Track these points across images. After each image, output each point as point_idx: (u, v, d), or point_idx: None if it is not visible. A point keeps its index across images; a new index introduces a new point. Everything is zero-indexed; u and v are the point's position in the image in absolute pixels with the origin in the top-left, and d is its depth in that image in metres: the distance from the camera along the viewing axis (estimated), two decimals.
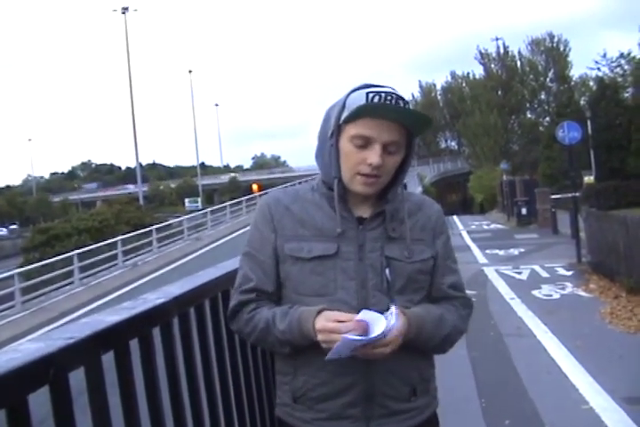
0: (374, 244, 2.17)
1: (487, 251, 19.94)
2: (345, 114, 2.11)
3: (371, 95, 2.07)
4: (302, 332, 2.06)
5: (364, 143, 2.08)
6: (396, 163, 2.16)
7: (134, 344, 2.06)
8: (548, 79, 61.05)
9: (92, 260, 25.06)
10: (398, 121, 2.08)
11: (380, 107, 2.07)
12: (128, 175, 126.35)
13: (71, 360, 1.71)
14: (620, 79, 41.16)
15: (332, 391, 2.15)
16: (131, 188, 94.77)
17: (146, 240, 30.63)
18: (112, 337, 1.93)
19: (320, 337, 2.00)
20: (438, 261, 2.30)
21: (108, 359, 1.92)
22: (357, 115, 2.06)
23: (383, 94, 2.07)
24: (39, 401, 1.60)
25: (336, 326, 1.97)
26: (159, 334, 2.28)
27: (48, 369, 1.59)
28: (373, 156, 2.07)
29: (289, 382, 2.25)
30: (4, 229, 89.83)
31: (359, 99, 2.09)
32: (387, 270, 2.15)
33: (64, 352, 1.66)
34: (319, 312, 2.04)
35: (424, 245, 2.25)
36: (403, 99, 2.09)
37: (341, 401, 2.15)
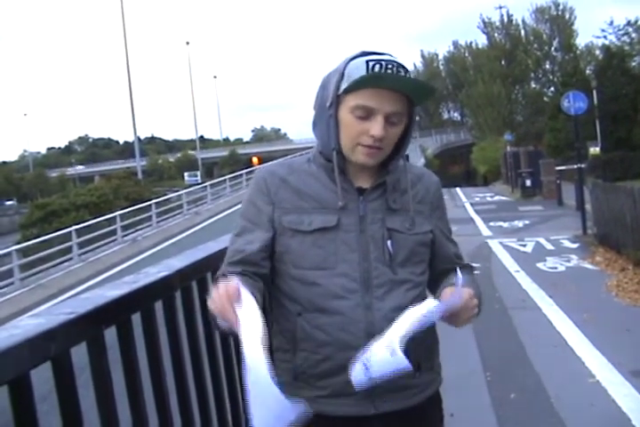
0: (375, 215, 2.13)
1: (491, 223, 19.95)
2: (344, 84, 2.04)
3: (371, 64, 2.00)
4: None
5: (366, 114, 2.02)
6: (398, 133, 2.11)
7: (137, 318, 2.07)
8: (552, 48, 60.57)
9: (91, 235, 25.03)
10: (401, 91, 2.03)
11: (384, 77, 2.00)
12: (126, 149, 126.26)
13: (72, 335, 1.71)
14: (627, 48, 40.78)
15: (335, 367, 2.05)
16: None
17: (145, 215, 30.61)
18: (114, 312, 1.94)
19: (209, 303, 1.81)
20: (440, 234, 2.29)
21: (111, 336, 1.90)
22: (359, 85, 2.00)
23: (384, 63, 2.00)
24: (44, 378, 1.60)
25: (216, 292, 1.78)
26: (161, 307, 2.29)
27: (49, 345, 1.58)
28: (376, 127, 2.01)
29: (289, 359, 2.15)
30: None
31: (359, 68, 2.02)
32: (388, 242, 2.11)
33: (65, 328, 1.65)
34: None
35: (423, 218, 2.22)
36: (404, 67, 2.03)
37: (344, 378, 1.96)
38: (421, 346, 2.11)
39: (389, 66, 1.99)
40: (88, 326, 1.78)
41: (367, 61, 2.01)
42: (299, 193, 2.13)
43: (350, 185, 2.14)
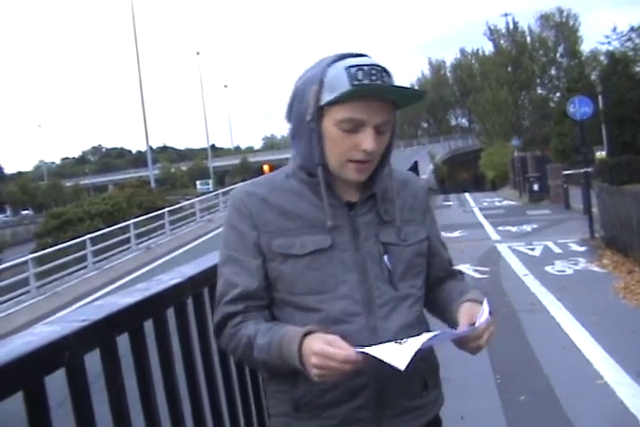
0: (368, 230, 1.99)
1: (499, 227, 19.89)
2: (327, 95, 1.86)
3: (353, 70, 1.83)
4: (282, 353, 1.78)
5: (354, 127, 1.86)
6: (387, 141, 1.96)
7: (149, 325, 2.07)
8: (558, 54, 60.60)
9: (105, 244, 25.18)
10: (390, 99, 1.89)
11: (373, 88, 1.84)
12: (139, 159, 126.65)
13: (86, 342, 1.73)
14: (630, 53, 40.75)
15: (343, 395, 1.93)
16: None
17: (158, 223, 30.76)
18: (126, 319, 1.95)
19: (315, 360, 1.67)
20: (434, 240, 2.19)
21: (124, 343, 1.94)
22: (346, 98, 1.82)
23: (366, 68, 1.83)
24: (57, 386, 1.62)
25: (337, 352, 1.66)
26: (174, 315, 2.29)
27: (63, 352, 1.60)
28: (367, 141, 1.86)
29: (287, 390, 1.99)
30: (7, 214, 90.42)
31: (340, 76, 1.84)
32: (385, 258, 1.98)
33: (78, 335, 1.67)
34: (307, 334, 1.75)
35: (416, 225, 2.09)
36: (386, 71, 1.86)
37: (352, 405, 1.93)
38: (426, 363, 2.06)
39: (373, 71, 1.83)
40: (101, 333, 1.79)
41: (348, 68, 1.84)
42: (284, 213, 1.96)
43: (338, 200, 1.98)
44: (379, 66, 1.86)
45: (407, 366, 1.61)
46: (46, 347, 1.54)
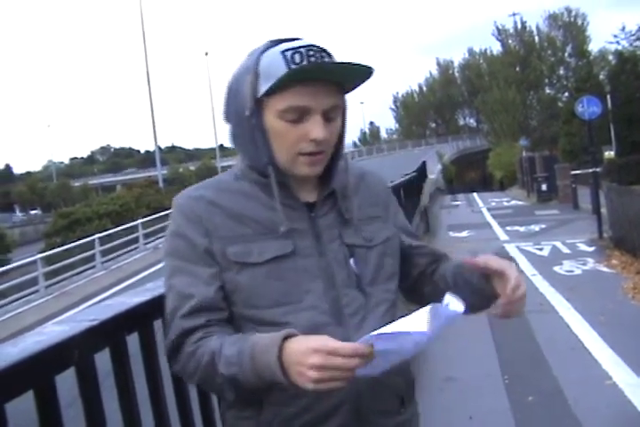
0: (331, 232, 1.79)
1: (508, 227, 19.85)
2: (264, 84, 1.66)
3: (288, 54, 1.65)
4: (256, 363, 1.51)
5: (299, 116, 1.66)
6: (338, 129, 1.76)
7: (158, 325, 2.06)
8: (566, 54, 60.67)
9: (114, 243, 25.27)
10: (334, 79, 1.68)
11: (312, 69, 1.65)
12: (147, 159, 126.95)
13: (95, 342, 1.75)
14: (639, 52, 40.74)
15: (317, 418, 1.70)
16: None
17: (166, 223, 30.77)
18: (136, 318, 1.96)
19: (316, 359, 1.39)
20: (404, 234, 2.01)
21: (134, 343, 1.95)
22: (284, 84, 1.63)
23: (303, 50, 1.64)
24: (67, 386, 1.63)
25: (343, 344, 1.42)
26: None
27: (73, 351, 1.62)
28: (316, 129, 1.66)
29: (253, 415, 1.74)
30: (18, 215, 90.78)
31: (275, 62, 1.65)
32: (351, 261, 1.79)
33: (88, 334, 1.69)
34: (287, 338, 1.49)
35: (381, 222, 1.91)
36: (326, 51, 1.68)
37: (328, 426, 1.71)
38: (402, 378, 1.88)
39: (310, 52, 1.65)
40: (111, 332, 1.81)
41: (283, 52, 1.66)
42: (236, 217, 1.74)
43: (296, 202, 1.79)
44: (316, 46, 1.68)
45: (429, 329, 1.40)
46: (56, 346, 1.55)
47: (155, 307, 2.03)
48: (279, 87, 1.63)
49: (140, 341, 2.01)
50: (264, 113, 1.69)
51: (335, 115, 1.71)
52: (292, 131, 1.68)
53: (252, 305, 1.70)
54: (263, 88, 1.66)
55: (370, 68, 1.66)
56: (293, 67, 1.62)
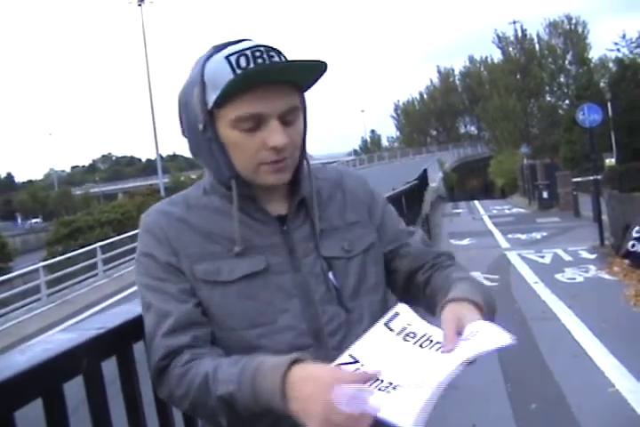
0: (306, 245, 1.68)
1: (509, 235, 19.86)
2: (211, 95, 1.55)
3: (233, 58, 1.54)
4: (256, 390, 1.39)
5: (255, 124, 1.55)
6: (301, 132, 1.65)
7: None
8: (566, 62, 60.75)
9: (116, 252, 25.30)
10: (288, 80, 1.56)
11: (259, 72, 1.53)
12: (149, 167, 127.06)
13: (103, 350, 1.75)
14: (639, 60, 40.82)
15: None
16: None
17: None
18: (142, 326, 1.96)
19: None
20: (390, 230, 1.84)
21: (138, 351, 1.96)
22: (232, 91, 1.51)
23: (248, 52, 1.54)
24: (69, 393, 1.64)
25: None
26: None
27: (81, 359, 1.63)
28: (274, 136, 1.54)
29: None
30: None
31: (220, 69, 1.54)
32: (330, 275, 1.67)
33: (96, 342, 1.70)
34: (293, 363, 1.37)
35: (362, 228, 1.77)
36: (274, 49, 1.58)
37: None
38: None
39: (257, 54, 1.54)
40: (118, 340, 1.82)
41: (227, 57, 1.55)
42: (205, 235, 1.65)
43: (265, 215, 1.69)
44: (263, 46, 1.57)
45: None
46: (65, 354, 1.56)
47: None
48: (228, 96, 1.52)
49: (145, 348, 2.02)
50: (218, 125, 1.59)
51: (294, 117, 1.60)
52: (249, 140, 1.56)
53: (224, 327, 1.61)
54: (212, 99, 1.56)
55: (322, 62, 1.54)
56: (239, 72, 1.52)
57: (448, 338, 1.41)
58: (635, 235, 10.60)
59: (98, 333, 1.73)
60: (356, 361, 1.40)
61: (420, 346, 1.44)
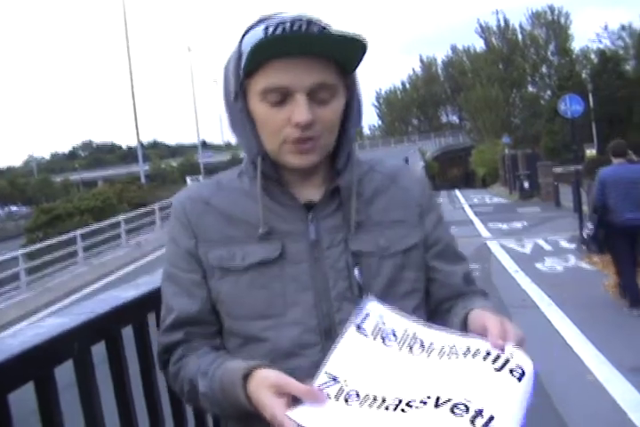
0: (334, 236, 1.54)
1: (490, 224, 19.99)
2: (244, 63, 1.46)
3: (270, 29, 1.44)
4: (229, 399, 1.40)
5: (282, 97, 1.44)
6: (336, 114, 1.51)
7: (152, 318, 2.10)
8: (549, 52, 61.04)
9: (96, 239, 25.21)
10: (319, 54, 1.43)
11: (288, 38, 1.42)
12: (129, 154, 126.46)
13: (94, 334, 1.78)
14: (621, 52, 41.07)
15: None
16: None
17: (148, 219, 30.81)
18: (131, 312, 1.99)
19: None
20: (435, 247, 1.66)
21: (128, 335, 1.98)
22: (259, 57, 1.42)
23: (288, 24, 1.43)
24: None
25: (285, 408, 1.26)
26: None
27: (72, 343, 1.66)
28: (298, 111, 1.43)
29: None
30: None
31: (256, 38, 1.43)
32: (356, 270, 1.53)
33: (87, 327, 1.72)
34: (248, 374, 1.37)
35: (406, 228, 1.61)
36: (316, 23, 1.45)
37: None
38: None
39: (296, 24, 1.43)
40: (107, 325, 1.84)
41: (265, 29, 1.45)
42: (226, 217, 1.57)
43: (292, 199, 1.56)
44: (306, 18, 1.45)
45: None
46: (56, 339, 1.58)
47: (148, 301, 2.05)
48: (259, 64, 1.44)
49: (134, 333, 2.04)
50: (249, 96, 1.50)
51: (327, 96, 1.47)
52: (275, 115, 1.46)
53: (234, 316, 1.54)
54: (242, 67, 1.48)
55: (357, 39, 1.40)
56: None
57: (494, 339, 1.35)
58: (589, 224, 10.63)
59: (89, 317, 1.76)
60: (335, 379, 1.29)
61: (410, 349, 1.33)
